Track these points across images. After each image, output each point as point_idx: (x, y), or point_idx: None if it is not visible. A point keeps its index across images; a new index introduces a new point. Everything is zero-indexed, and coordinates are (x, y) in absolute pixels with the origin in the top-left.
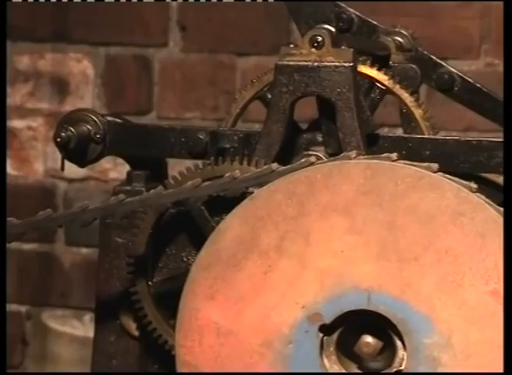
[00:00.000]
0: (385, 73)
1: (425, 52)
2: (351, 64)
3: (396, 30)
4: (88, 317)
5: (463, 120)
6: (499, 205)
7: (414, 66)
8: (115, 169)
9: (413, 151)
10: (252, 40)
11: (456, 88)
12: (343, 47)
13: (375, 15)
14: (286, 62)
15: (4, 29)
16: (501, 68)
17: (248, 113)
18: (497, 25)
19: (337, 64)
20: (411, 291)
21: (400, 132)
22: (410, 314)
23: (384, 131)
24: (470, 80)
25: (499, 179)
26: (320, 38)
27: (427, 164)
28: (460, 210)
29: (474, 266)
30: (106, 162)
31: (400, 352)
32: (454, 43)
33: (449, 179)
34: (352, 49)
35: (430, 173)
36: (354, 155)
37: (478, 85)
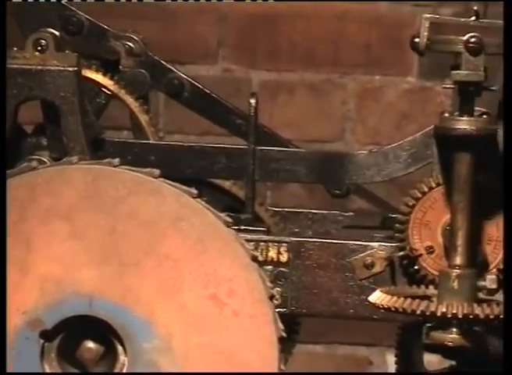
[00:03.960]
0: (111, 78)
1: (156, 57)
2: (75, 68)
3: (127, 34)
4: None
5: (200, 125)
6: (223, 209)
7: (143, 70)
8: None
9: (138, 156)
10: None
11: (185, 94)
12: (67, 51)
13: (112, 18)
14: (9, 66)
15: (4, 29)
16: (238, 74)
17: None
18: (234, 31)
19: (61, 68)
20: (131, 296)
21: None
22: (130, 319)
23: (123, 134)
24: (199, 85)
25: (225, 183)
26: (43, 42)
27: (148, 169)
28: (180, 215)
29: (194, 271)
30: None
31: (121, 357)
32: (192, 48)
33: (170, 184)
34: (76, 54)
35: (151, 178)
36: (76, 160)
37: (208, 91)
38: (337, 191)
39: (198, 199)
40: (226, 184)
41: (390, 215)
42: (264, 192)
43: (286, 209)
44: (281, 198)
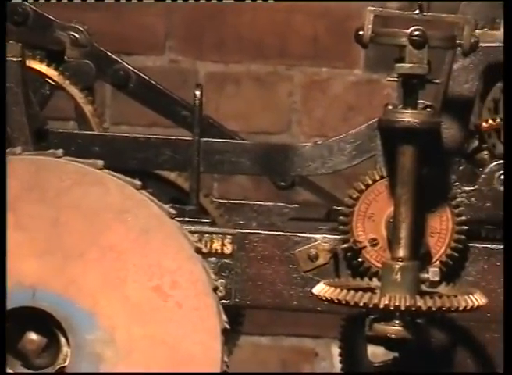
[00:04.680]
0: (56, 69)
1: (101, 48)
2: (19, 59)
3: (72, 25)
4: None
5: (147, 116)
6: (169, 200)
7: (88, 61)
8: None
9: (82, 147)
10: None
11: (131, 85)
12: (11, 41)
13: (58, 8)
14: None
15: (4, 29)
16: (185, 65)
17: None
18: (181, 22)
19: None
20: (75, 288)
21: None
22: (74, 310)
23: (70, 125)
24: (145, 77)
25: (170, 175)
26: None
27: (92, 160)
28: (124, 207)
29: (138, 263)
30: None
31: (64, 349)
32: (139, 39)
33: (114, 176)
34: (20, 44)
35: (95, 169)
36: (20, 151)
37: (153, 82)
38: (282, 183)
39: (142, 191)
40: (172, 176)
41: (335, 207)
42: (210, 184)
43: (231, 201)
44: (228, 190)
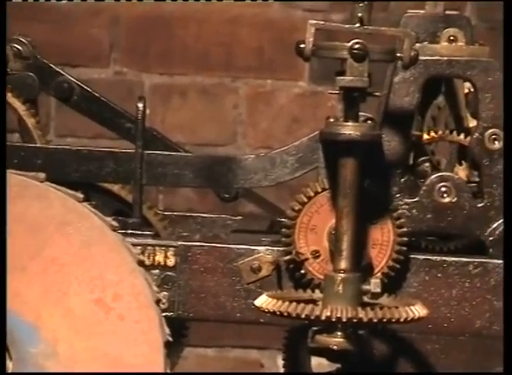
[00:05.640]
0: None
1: (44, 60)
2: None
3: (15, 37)
4: None
5: (92, 128)
6: (113, 213)
7: (31, 74)
8: None
9: (25, 160)
10: None
11: (75, 97)
12: None
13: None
14: None
15: (4, 29)
16: (130, 77)
17: None
18: (126, 34)
19: None
20: (18, 301)
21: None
22: (16, 324)
23: (15, 137)
24: (89, 89)
25: (114, 187)
26: None
27: (34, 173)
28: (66, 219)
29: (80, 275)
30: None
31: (7, 363)
32: (84, 51)
33: (56, 188)
34: None
35: (37, 182)
36: None
37: (97, 94)
38: (226, 195)
39: (84, 203)
40: (115, 188)
41: (278, 219)
42: (156, 196)
43: (175, 213)
44: (173, 202)
